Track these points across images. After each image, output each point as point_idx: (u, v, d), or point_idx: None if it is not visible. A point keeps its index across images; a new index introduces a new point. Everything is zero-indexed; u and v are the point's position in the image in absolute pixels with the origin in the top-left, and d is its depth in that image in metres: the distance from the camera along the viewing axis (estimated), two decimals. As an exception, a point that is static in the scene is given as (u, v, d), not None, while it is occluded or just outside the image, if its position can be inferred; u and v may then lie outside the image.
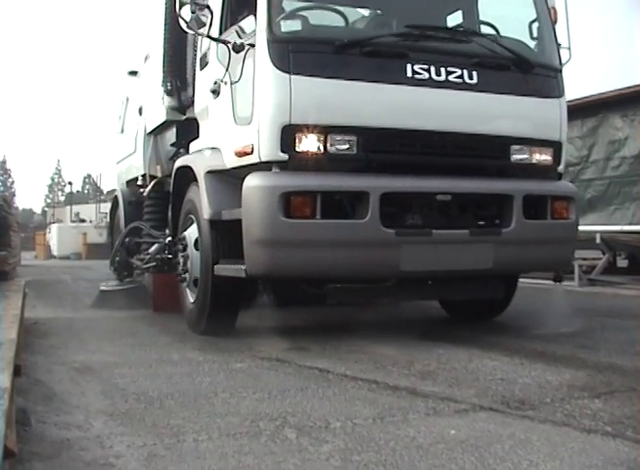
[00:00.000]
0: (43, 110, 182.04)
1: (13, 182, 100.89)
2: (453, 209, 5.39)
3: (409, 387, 3.92)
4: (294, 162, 4.97)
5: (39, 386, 4.04)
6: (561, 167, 5.86)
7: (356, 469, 2.62)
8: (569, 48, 6.00)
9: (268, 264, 4.95)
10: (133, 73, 9.46)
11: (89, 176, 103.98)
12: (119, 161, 10.19)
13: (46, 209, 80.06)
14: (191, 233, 6.13)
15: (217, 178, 5.72)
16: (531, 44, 5.95)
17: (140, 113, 8.79)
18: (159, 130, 7.99)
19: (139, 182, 8.58)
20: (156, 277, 7.73)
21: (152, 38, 8.08)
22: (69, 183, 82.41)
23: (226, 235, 5.48)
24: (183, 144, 6.99)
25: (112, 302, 8.25)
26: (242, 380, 4.17)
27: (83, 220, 39.95)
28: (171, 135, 7.47)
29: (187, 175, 6.21)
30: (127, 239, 8.69)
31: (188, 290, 6.21)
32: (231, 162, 5.52)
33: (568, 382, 4.01)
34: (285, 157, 4.95)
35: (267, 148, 4.99)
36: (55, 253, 33.65)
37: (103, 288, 8.81)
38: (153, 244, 7.69)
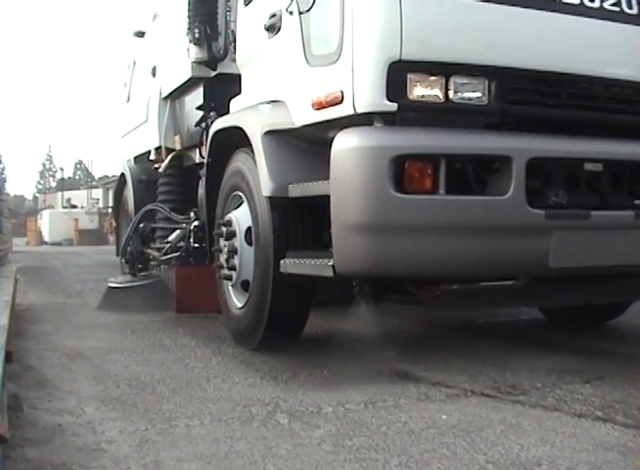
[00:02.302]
0: (34, 96, 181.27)
1: (4, 168, 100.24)
2: (605, 182, 4.00)
3: (401, 372, 3.93)
4: (404, 114, 3.64)
5: (31, 372, 4.03)
6: None
7: (348, 454, 2.63)
8: None
9: (371, 259, 3.59)
10: (140, 35, 8.17)
11: (80, 162, 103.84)
12: (125, 134, 8.96)
13: (37, 195, 79.97)
14: (239, 216, 4.72)
15: (281, 141, 4.35)
16: None
17: (153, 74, 7.43)
18: (177, 93, 6.81)
19: (152, 157, 7.39)
20: (179, 271, 6.35)
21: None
22: (61, 169, 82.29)
23: (296, 218, 4.27)
24: (212, 107, 5.85)
25: (123, 301, 6.72)
26: (234, 365, 4.17)
27: (75, 206, 39.96)
28: (196, 97, 6.30)
29: (229, 141, 4.94)
30: (142, 225, 7.24)
31: (233, 290, 4.87)
32: (304, 117, 4.17)
33: (558, 367, 4.02)
34: (392, 107, 3.59)
35: (367, 94, 3.65)
36: (46, 239, 33.63)
37: (111, 284, 7.06)
38: (173, 230, 6.60)
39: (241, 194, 4.74)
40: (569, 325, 5.31)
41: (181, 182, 7.07)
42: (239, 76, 5.26)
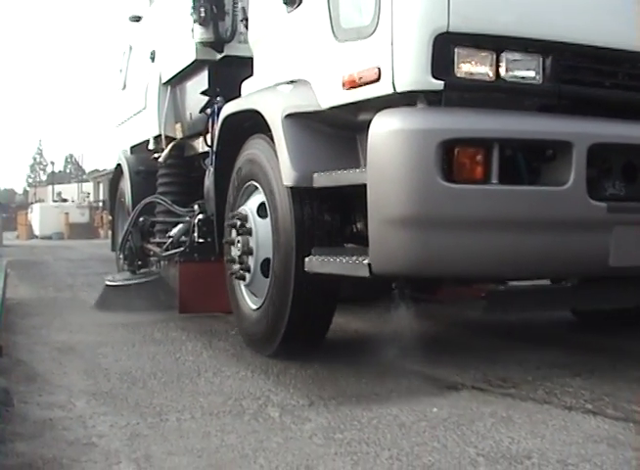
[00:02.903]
0: (24, 89, 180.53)
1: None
2: None
3: (391, 365, 3.93)
4: (450, 93, 3.22)
5: (21, 366, 4.02)
6: None
7: (339, 447, 2.63)
8: None
9: (415, 256, 3.19)
10: (136, 19, 7.80)
11: (71, 156, 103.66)
12: (121, 123, 8.59)
13: (28, 188, 79.76)
14: (253, 209, 4.33)
15: (303, 125, 3.92)
16: None
17: (152, 59, 7.03)
18: (178, 78, 6.42)
19: (151, 146, 6.99)
20: (182, 268, 5.91)
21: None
22: (51, 163, 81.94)
23: (321, 211, 3.87)
24: (218, 92, 5.50)
25: (121, 300, 6.30)
26: (225, 359, 4.17)
27: (65, 200, 39.92)
28: (200, 82, 5.91)
29: (241, 126, 4.56)
30: (141, 218, 6.81)
31: (247, 290, 4.46)
32: (332, 98, 3.76)
33: (549, 360, 4.04)
34: (438, 85, 3.18)
35: (410, 71, 3.22)
36: (37, 232, 33.55)
37: (109, 282, 6.63)
38: (175, 224, 6.25)
39: (257, 184, 4.31)
40: (603, 327, 4.93)
41: (182, 173, 6.78)
42: (248, 58, 4.90)
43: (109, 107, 9.76)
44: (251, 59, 4.81)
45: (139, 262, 6.75)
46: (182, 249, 5.90)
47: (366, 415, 3.01)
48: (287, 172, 3.80)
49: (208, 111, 5.59)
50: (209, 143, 5.43)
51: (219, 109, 5.13)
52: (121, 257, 6.96)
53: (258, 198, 4.29)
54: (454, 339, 4.72)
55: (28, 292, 7.82)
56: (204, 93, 5.74)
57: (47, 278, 9.71)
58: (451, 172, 3.13)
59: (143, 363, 4.06)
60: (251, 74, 4.75)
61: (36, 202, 42.99)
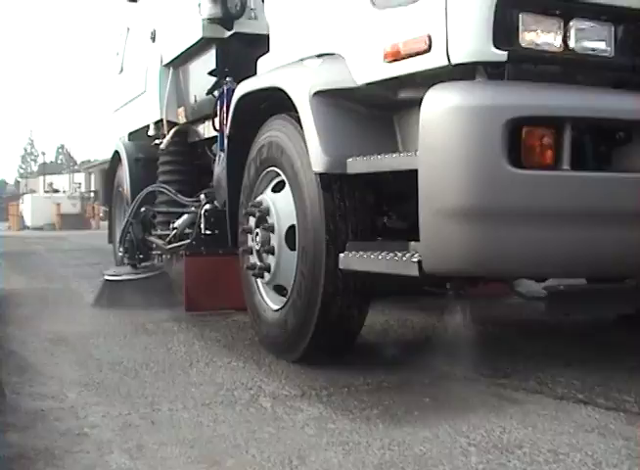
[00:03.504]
0: (14, 79, 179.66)
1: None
2: None
3: (383, 356, 3.94)
4: (514, 65, 2.84)
5: (13, 357, 4.02)
6: None
7: (331, 437, 2.63)
8: None
9: (476, 253, 2.78)
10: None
11: (62, 146, 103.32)
12: (118, 108, 8.16)
13: (19, 179, 79.39)
14: (274, 199, 3.91)
15: (334, 104, 3.52)
16: None
17: (153, 39, 6.60)
18: (181, 59, 6.01)
19: (151, 132, 6.64)
20: (188, 262, 5.43)
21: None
22: (43, 153, 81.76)
23: (355, 200, 3.47)
24: (227, 72, 5.11)
25: (122, 296, 5.86)
26: (217, 349, 4.17)
27: (57, 191, 39.83)
28: (206, 62, 5.52)
29: (257, 107, 4.19)
30: (143, 209, 6.37)
31: (265, 288, 4.05)
32: (370, 72, 3.35)
33: (540, 351, 4.05)
34: (501, 56, 2.81)
35: (468, 40, 2.84)
36: (28, 223, 33.46)
37: (108, 277, 6.14)
38: (179, 215, 5.93)
39: (278, 170, 3.89)
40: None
41: (185, 160, 6.43)
42: (260, 36, 4.60)
43: (104, 92, 9.36)
44: (263, 36, 4.48)
45: (140, 256, 6.28)
46: (188, 241, 5.54)
47: (358, 405, 3.02)
48: (316, 157, 3.39)
49: (216, 93, 5.19)
50: (218, 127, 5.08)
51: (229, 90, 4.83)
52: (121, 250, 6.41)
53: (283, 187, 3.87)
54: (445, 329, 4.71)
55: (20, 283, 7.80)
56: (211, 74, 5.36)
57: (39, 269, 9.68)
58: (518, 156, 2.74)
59: (135, 354, 4.06)
60: (266, 51, 4.36)
61: (28, 193, 42.86)
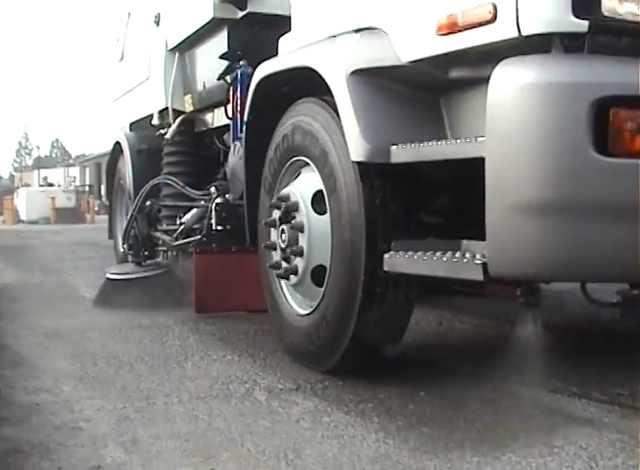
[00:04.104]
0: (8, 72, 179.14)
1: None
2: None
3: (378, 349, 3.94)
4: (596, 37, 2.47)
5: (7, 351, 4.01)
6: None
7: (326, 430, 2.63)
8: None
9: (556, 255, 2.42)
10: None
11: (57, 140, 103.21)
12: (119, 97, 7.88)
13: (14, 173, 79.33)
14: (303, 191, 3.50)
15: (374, 85, 3.10)
16: None
17: (157, 22, 6.24)
18: (188, 43, 5.69)
19: (155, 122, 6.32)
20: (199, 259, 4.97)
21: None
22: (37, 147, 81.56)
23: (399, 193, 3.08)
24: (240, 55, 4.78)
25: (125, 296, 5.48)
26: (212, 343, 4.17)
27: (51, 184, 39.74)
28: (216, 45, 5.16)
29: (279, 91, 3.84)
30: (148, 202, 5.98)
31: (290, 289, 3.70)
32: (419, 48, 2.93)
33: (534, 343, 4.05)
34: (581, 26, 2.43)
35: (543, 7, 2.46)
36: (23, 217, 33.35)
37: (110, 275, 5.75)
38: (187, 209, 5.63)
39: (306, 159, 3.51)
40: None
41: (192, 151, 6.11)
42: (275, 16, 4.37)
43: (104, 81, 9.15)
44: (279, 16, 4.24)
45: (146, 253, 5.87)
46: (197, 237, 5.16)
47: (353, 399, 3.02)
48: (356, 144, 2.99)
49: (228, 78, 4.88)
50: (231, 115, 4.78)
51: (243, 74, 4.60)
52: (125, 246, 5.99)
53: (313, 178, 3.46)
54: (440, 322, 4.72)
55: (14, 276, 7.79)
56: (222, 57, 4.95)
57: (33, 262, 9.66)
58: (604, 142, 2.35)
59: (130, 347, 4.05)
60: (284, 32, 4.01)
61: (22, 186, 42.74)
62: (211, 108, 5.65)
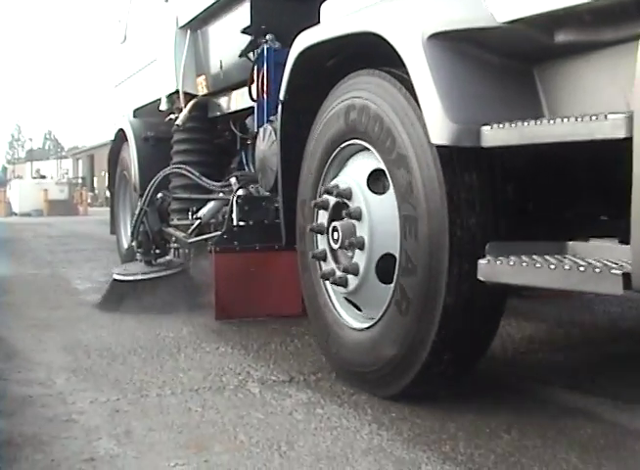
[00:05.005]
0: (0, 64, 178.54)
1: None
2: None
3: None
4: None
5: None
6: None
7: (319, 422, 2.63)
8: None
9: None
10: None
11: (50, 133, 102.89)
12: (121, 82, 7.38)
13: (6, 165, 79.01)
14: (361, 180, 2.93)
15: (458, 52, 2.49)
16: None
17: None
18: (202, 19, 5.16)
19: (163, 107, 5.83)
20: (219, 259, 4.41)
21: None
22: (30, 139, 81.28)
23: (496, 186, 2.53)
24: (264, 29, 4.28)
25: (134, 299, 4.96)
26: (205, 335, 4.16)
27: (44, 177, 39.66)
28: (235, 19, 4.65)
29: (321, 65, 3.34)
30: (159, 195, 5.48)
31: (344, 301, 3.14)
32: (521, 5, 2.30)
33: (529, 336, 4.06)
34: None
35: None
36: (16, 210, 33.25)
37: (118, 276, 5.16)
38: (203, 202, 5.23)
39: (365, 144, 2.93)
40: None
41: (206, 138, 5.66)
42: None
43: (103, 65, 8.56)
44: None
45: (157, 251, 5.25)
46: (215, 234, 4.70)
47: (346, 391, 3.02)
48: (438, 125, 2.40)
49: (252, 55, 4.43)
50: (255, 96, 4.33)
51: (270, 50, 4.17)
52: (133, 243, 5.33)
53: (367, 167, 2.94)
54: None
55: (7, 269, 7.76)
56: (245, 32, 4.44)
57: (26, 255, 9.65)
58: None
59: (123, 340, 4.05)
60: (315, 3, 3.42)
61: (15, 179, 42.61)
62: (229, 90, 5.19)
